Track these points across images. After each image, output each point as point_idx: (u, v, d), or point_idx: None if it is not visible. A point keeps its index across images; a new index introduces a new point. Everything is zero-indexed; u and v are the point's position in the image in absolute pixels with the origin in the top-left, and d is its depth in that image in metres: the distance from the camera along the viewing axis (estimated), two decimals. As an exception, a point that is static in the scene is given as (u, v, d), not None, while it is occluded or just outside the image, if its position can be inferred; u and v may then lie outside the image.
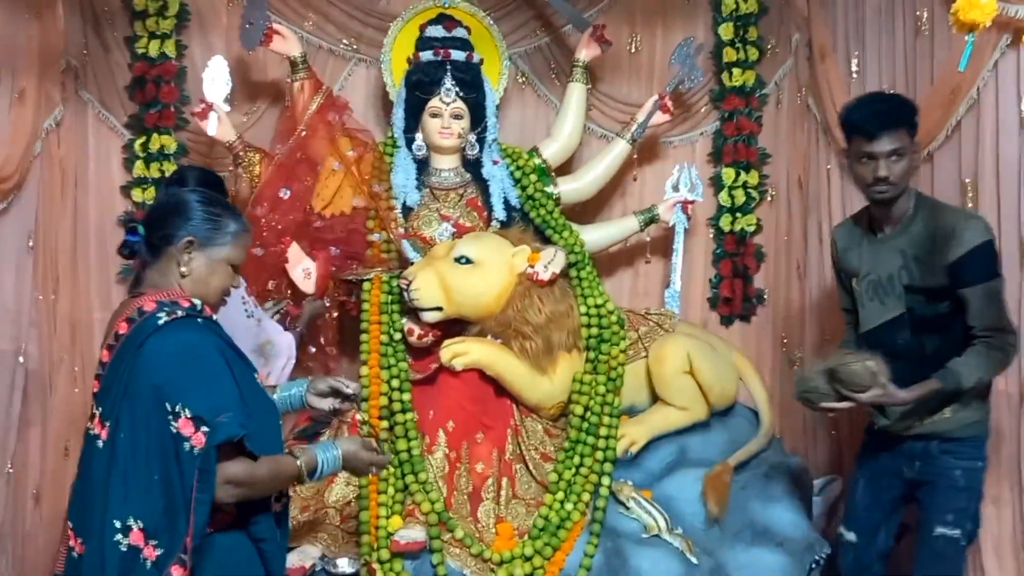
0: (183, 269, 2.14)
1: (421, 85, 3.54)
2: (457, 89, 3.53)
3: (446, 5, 3.73)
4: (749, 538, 3.14)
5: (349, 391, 2.45)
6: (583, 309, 3.47)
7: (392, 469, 3.13)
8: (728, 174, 4.00)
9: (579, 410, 3.32)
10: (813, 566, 3.11)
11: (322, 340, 3.53)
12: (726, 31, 3.97)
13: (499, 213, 3.59)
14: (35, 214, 3.58)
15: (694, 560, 3.03)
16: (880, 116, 2.73)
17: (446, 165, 3.62)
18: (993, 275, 2.71)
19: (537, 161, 3.73)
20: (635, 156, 3.84)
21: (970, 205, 3.11)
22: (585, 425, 3.29)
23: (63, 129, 3.71)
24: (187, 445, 1.95)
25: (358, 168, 3.53)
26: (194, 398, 1.97)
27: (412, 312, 3.33)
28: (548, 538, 3.08)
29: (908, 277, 2.78)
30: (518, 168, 3.70)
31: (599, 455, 3.25)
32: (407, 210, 3.55)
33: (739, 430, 3.48)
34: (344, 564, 2.99)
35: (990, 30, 2.76)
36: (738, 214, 4.01)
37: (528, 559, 3.04)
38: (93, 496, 2.04)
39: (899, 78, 3.47)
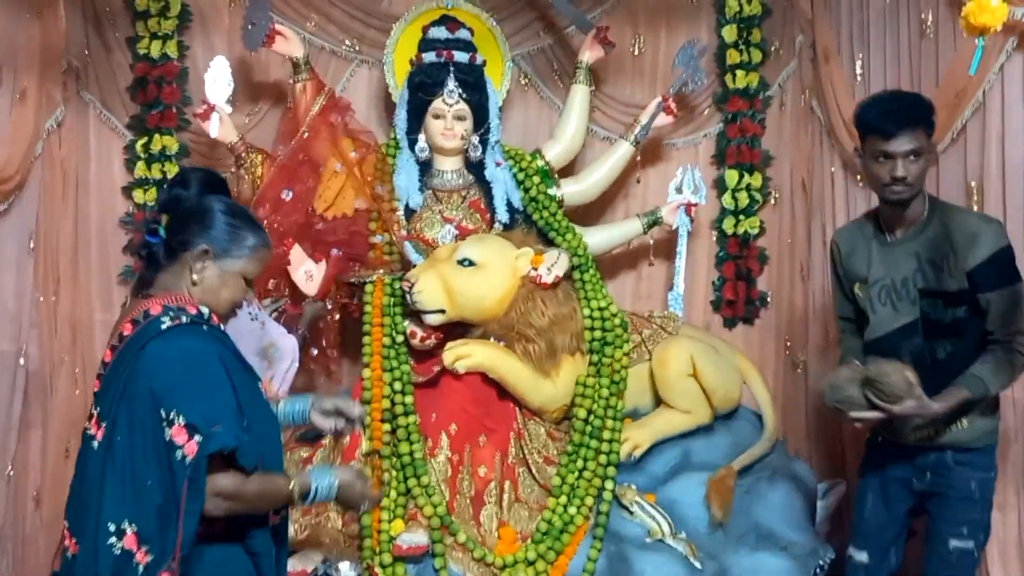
0: (194, 277, 2.12)
1: (424, 86, 3.53)
2: (460, 91, 3.51)
3: (449, 6, 3.72)
4: (753, 542, 3.13)
5: (353, 414, 2.39)
6: (586, 312, 3.46)
7: (395, 472, 3.12)
8: (731, 176, 3.99)
9: (582, 413, 3.30)
10: (817, 571, 3.11)
11: (324, 343, 3.52)
12: (729, 33, 3.96)
13: (502, 215, 3.58)
14: (36, 215, 3.57)
15: (698, 564, 3.03)
16: (899, 115, 2.67)
17: (449, 167, 3.61)
18: (1015, 279, 2.66)
19: (540, 163, 3.72)
20: (638, 158, 3.83)
21: (975, 208, 3.10)
22: (588, 428, 3.28)
23: (64, 130, 3.70)
24: (179, 453, 1.92)
25: (360, 170, 3.51)
26: (189, 406, 1.94)
27: (415, 314, 3.31)
28: (551, 542, 3.07)
29: (923, 281, 2.72)
30: (521, 170, 3.69)
31: (602, 459, 3.23)
32: (409, 212, 3.54)
33: (743, 433, 3.47)
34: (346, 568, 2.99)
35: (996, 33, 2.74)
36: (741, 216, 4.00)
37: (531, 563, 3.04)
38: (88, 497, 2.02)
39: (903, 80, 3.45)
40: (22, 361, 3.49)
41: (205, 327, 2.08)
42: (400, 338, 3.35)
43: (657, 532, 3.10)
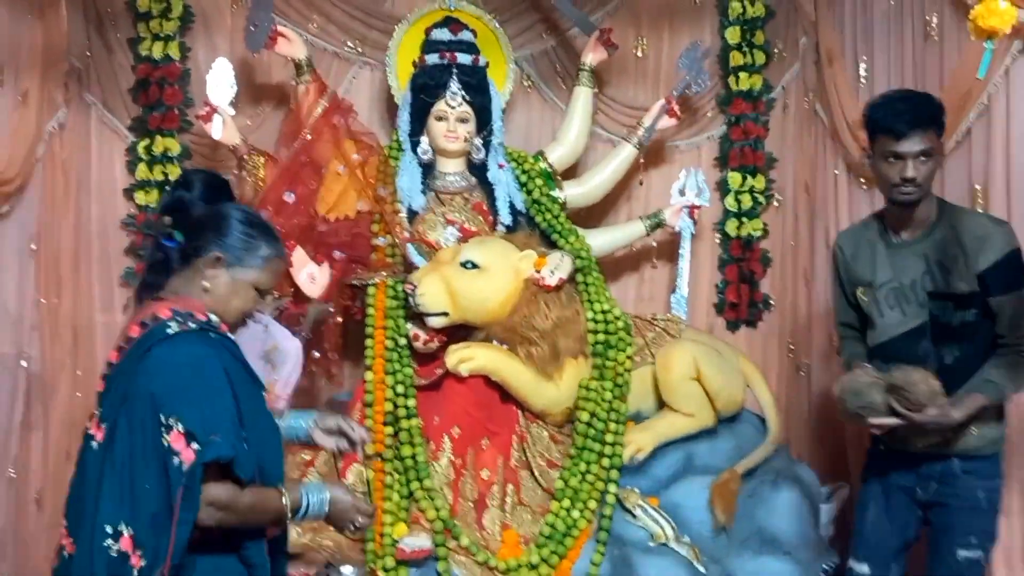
0: (205, 284, 2.11)
1: (427, 88, 3.52)
2: (463, 93, 3.50)
3: (452, 8, 3.71)
4: (757, 546, 3.12)
5: (355, 437, 2.36)
6: (589, 315, 3.45)
7: (397, 476, 3.11)
8: (735, 179, 3.98)
9: (585, 416, 3.29)
10: (821, 575, 3.09)
11: (325, 345, 3.51)
12: (733, 35, 3.94)
13: (505, 217, 3.57)
14: (37, 217, 3.57)
15: (701, 569, 3.02)
16: (910, 115, 2.64)
17: (451, 169, 3.60)
18: None
19: (543, 165, 3.71)
20: (641, 160, 3.82)
21: (980, 211, 3.09)
22: (591, 432, 3.27)
23: (66, 131, 3.69)
24: (176, 460, 1.90)
25: (363, 172, 3.50)
26: (189, 412, 1.93)
27: (417, 317, 3.30)
28: (554, 546, 3.06)
29: (932, 283, 2.70)
30: (524, 172, 3.68)
31: (605, 462, 3.22)
32: (412, 214, 3.53)
33: (746, 437, 3.46)
34: (349, 572, 2.98)
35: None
36: (744, 219, 3.99)
37: (534, 567, 3.03)
38: (86, 497, 2.02)
39: (908, 83, 3.44)
40: (23, 363, 3.50)
41: (213, 334, 2.06)
42: (403, 341, 3.34)
43: (660, 536, 3.09)
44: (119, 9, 3.78)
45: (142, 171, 3.79)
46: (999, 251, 2.61)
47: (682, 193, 3.81)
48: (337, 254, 3.40)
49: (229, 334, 2.13)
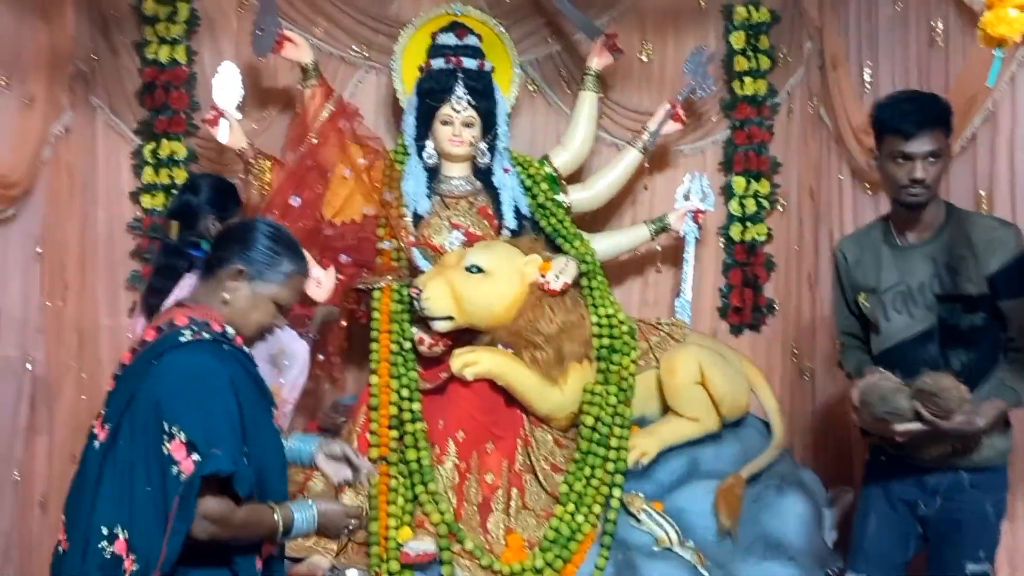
0: (225, 296, 2.11)
1: (432, 93, 3.52)
2: (468, 97, 3.51)
3: (458, 13, 3.72)
4: (761, 551, 3.12)
5: (361, 468, 2.33)
6: (594, 319, 3.45)
7: (402, 479, 3.11)
8: (739, 183, 3.98)
9: (590, 421, 3.29)
10: (825, 580, 3.10)
11: (329, 349, 3.51)
12: (737, 40, 3.95)
13: (509, 222, 3.58)
14: (43, 220, 3.56)
15: (705, 573, 3.02)
16: (918, 115, 2.61)
17: (457, 173, 3.60)
18: None
19: (548, 169, 3.72)
20: (646, 165, 3.82)
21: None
22: (596, 436, 3.27)
23: (72, 134, 3.69)
24: (174, 469, 1.90)
25: (368, 176, 3.51)
26: (192, 423, 1.93)
27: (422, 321, 3.31)
28: (559, 550, 3.06)
29: (940, 286, 2.66)
30: (529, 176, 3.68)
31: (610, 466, 3.22)
32: (417, 218, 3.54)
33: (750, 441, 3.46)
34: (354, 575, 2.97)
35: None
36: (748, 223, 3.99)
37: (538, 571, 3.02)
38: (83, 495, 2.02)
39: (912, 88, 3.44)
40: (29, 366, 3.49)
41: (226, 346, 2.06)
42: (408, 345, 3.34)
43: (665, 540, 3.09)
44: (125, 12, 3.78)
45: (148, 175, 3.79)
46: (1010, 253, 2.59)
47: (686, 197, 3.82)
48: (343, 258, 3.40)
49: (245, 347, 2.13)
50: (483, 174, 3.62)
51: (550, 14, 3.94)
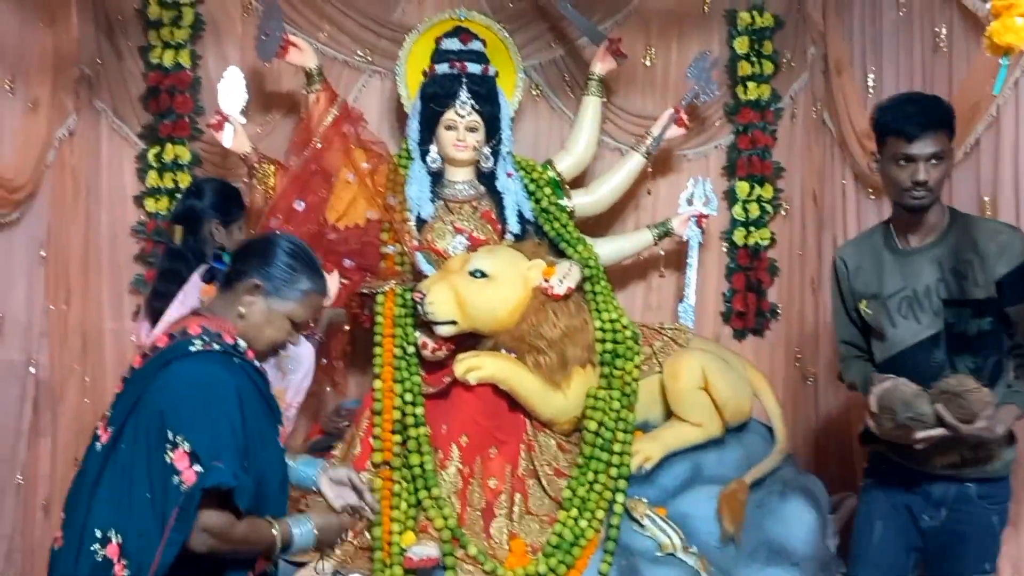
0: (241, 309, 2.11)
1: (436, 97, 3.53)
2: (472, 102, 3.51)
3: (462, 18, 3.72)
4: (764, 557, 3.11)
5: (365, 496, 2.31)
6: (597, 324, 3.45)
7: (405, 484, 3.11)
8: (742, 188, 3.99)
9: (593, 426, 3.29)
10: (829, 586, 3.09)
11: (333, 353, 3.52)
12: (741, 45, 3.96)
13: (513, 226, 3.58)
14: (47, 224, 3.57)
15: (709, 579, 3.02)
16: (921, 116, 2.58)
17: (460, 177, 3.60)
18: None
19: (551, 174, 3.72)
20: (649, 169, 3.82)
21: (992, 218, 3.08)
22: (599, 441, 3.27)
23: (76, 138, 3.70)
24: (176, 479, 1.90)
25: (372, 180, 3.51)
26: (196, 434, 1.93)
27: (426, 325, 3.31)
28: (562, 555, 3.05)
29: (947, 290, 2.63)
30: (532, 181, 3.68)
31: (613, 471, 3.22)
32: (421, 222, 3.54)
33: (754, 447, 3.45)
34: (357, 579, 2.98)
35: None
36: (752, 228, 4.00)
37: (542, 576, 3.02)
38: (81, 495, 2.02)
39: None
40: (32, 370, 3.49)
41: (236, 359, 2.06)
42: (411, 349, 3.34)
43: (668, 546, 3.09)
44: (130, 16, 3.79)
45: (152, 179, 3.80)
46: (1018, 258, 2.56)
47: (690, 202, 3.82)
48: (347, 262, 3.41)
49: (256, 361, 2.12)
50: (487, 178, 3.62)
51: (554, 19, 3.95)
